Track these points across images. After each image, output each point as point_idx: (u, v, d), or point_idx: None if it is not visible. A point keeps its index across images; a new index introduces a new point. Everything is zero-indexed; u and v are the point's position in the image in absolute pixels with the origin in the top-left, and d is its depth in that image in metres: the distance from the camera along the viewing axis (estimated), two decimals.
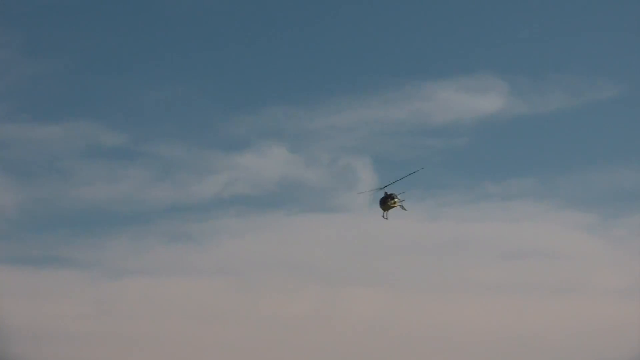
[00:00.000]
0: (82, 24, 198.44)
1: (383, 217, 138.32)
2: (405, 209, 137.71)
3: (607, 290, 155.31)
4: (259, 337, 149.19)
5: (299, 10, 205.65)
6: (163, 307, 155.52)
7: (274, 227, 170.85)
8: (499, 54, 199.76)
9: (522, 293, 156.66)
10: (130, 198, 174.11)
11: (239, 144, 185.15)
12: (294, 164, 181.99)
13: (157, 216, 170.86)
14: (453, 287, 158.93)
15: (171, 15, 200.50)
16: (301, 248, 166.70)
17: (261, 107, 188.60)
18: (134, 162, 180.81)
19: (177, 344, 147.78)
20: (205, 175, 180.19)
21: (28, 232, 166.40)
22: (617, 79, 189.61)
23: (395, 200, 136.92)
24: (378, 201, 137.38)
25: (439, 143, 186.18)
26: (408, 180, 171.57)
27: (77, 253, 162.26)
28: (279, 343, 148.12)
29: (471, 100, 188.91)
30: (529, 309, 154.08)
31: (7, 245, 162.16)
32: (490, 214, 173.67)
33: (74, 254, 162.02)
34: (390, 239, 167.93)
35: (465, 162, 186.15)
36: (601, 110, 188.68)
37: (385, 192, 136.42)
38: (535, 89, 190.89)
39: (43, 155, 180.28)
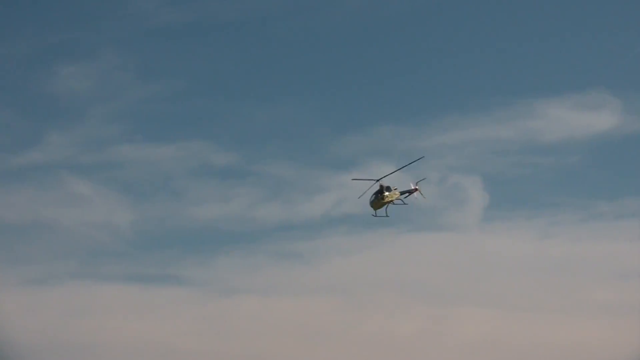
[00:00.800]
0: (193, 47, 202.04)
1: (373, 215, 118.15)
2: (406, 203, 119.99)
3: None
4: (368, 357, 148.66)
5: (408, 32, 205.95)
6: (272, 325, 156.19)
7: (383, 245, 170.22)
8: (612, 71, 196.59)
9: (636, 314, 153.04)
10: (241, 216, 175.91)
11: (347, 163, 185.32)
12: (402, 182, 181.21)
13: (267, 234, 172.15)
14: (566, 307, 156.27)
15: (280, 37, 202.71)
16: (410, 267, 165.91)
17: (370, 127, 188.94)
18: (245, 181, 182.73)
19: None
20: (314, 194, 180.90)
21: (141, 250, 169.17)
22: None
23: (386, 194, 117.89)
24: (370, 199, 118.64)
25: (550, 161, 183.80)
26: (518, 198, 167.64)
27: (189, 271, 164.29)
28: None
29: (583, 117, 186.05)
30: None
31: (121, 263, 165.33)
32: (603, 233, 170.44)
33: (185, 272, 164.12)
34: (501, 258, 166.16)
35: (578, 180, 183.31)
36: None
37: (381, 185, 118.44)
38: None
39: (156, 174, 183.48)
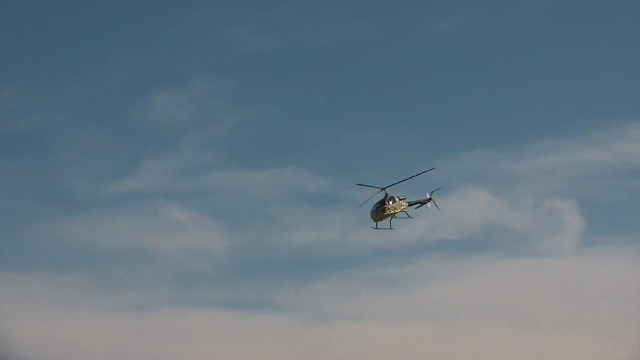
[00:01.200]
0: (286, 73, 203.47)
1: (374, 228, 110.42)
2: (411, 217, 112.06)
3: None
4: None
5: (499, 55, 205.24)
6: (368, 351, 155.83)
7: (478, 271, 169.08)
8: None
9: None
10: (335, 242, 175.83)
11: (441, 188, 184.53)
12: (496, 207, 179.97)
13: (361, 260, 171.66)
14: None
15: (372, 63, 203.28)
16: (507, 293, 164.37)
17: (462, 151, 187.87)
18: (337, 206, 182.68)
19: None
20: (408, 220, 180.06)
21: (237, 276, 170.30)
22: None
23: (387, 206, 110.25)
24: (371, 209, 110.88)
25: None
26: (616, 223, 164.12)
27: (284, 297, 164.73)
28: None
29: None
30: None
31: (217, 289, 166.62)
32: None
33: (280, 298, 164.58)
34: (599, 284, 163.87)
35: None
36: None
37: (386, 194, 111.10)
38: None
39: (250, 201, 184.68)
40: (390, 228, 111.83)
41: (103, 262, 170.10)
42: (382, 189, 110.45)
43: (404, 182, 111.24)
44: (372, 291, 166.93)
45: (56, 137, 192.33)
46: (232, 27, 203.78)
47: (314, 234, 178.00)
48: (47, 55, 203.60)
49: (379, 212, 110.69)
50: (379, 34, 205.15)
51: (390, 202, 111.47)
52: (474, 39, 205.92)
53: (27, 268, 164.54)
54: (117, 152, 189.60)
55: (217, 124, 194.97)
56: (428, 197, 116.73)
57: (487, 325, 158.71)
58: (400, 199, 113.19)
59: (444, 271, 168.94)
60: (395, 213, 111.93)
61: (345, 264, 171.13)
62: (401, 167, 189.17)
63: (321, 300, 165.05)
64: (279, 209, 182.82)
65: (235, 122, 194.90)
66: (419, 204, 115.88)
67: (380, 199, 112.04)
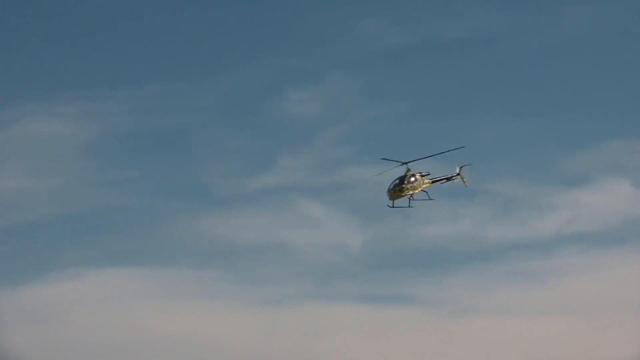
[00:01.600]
0: (418, 67, 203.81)
1: (390, 207, 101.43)
2: (432, 199, 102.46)
3: None
4: None
5: (634, 43, 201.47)
6: (506, 345, 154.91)
7: (618, 265, 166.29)
8: None
9: None
10: (472, 236, 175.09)
11: (580, 180, 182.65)
12: (638, 199, 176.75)
13: (498, 254, 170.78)
14: None
15: (504, 55, 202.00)
16: None
17: (602, 142, 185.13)
18: (474, 200, 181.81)
19: None
20: (545, 212, 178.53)
21: (373, 270, 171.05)
22: None
23: (405, 186, 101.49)
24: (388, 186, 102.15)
25: None
26: None
27: (421, 291, 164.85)
28: None
29: None
30: None
31: (353, 284, 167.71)
32: None
33: (417, 292, 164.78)
34: None
35: None
36: None
37: (407, 170, 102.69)
38: None
39: (386, 195, 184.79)
40: (409, 206, 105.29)
41: (241, 257, 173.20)
42: (404, 163, 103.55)
43: (425, 156, 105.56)
44: (509, 285, 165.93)
45: (194, 135, 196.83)
46: (364, 22, 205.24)
47: (450, 228, 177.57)
48: (185, 55, 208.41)
49: (397, 191, 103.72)
50: (510, 25, 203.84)
51: (411, 180, 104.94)
52: (609, 28, 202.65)
53: (170, 264, 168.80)
54: (253, 148, 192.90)
55: (351, 119, 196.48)
56: (456, 172, 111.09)
57: (629, 320, 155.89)
58: (423, 175, 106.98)
59: (583, 265, 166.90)
60: (415, 193, 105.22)
61: (482, 257, 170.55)
62: (538, 160, 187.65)
63: (457, 295, 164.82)
64: (414, 202, 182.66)
65: (369, 116, 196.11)
66: (445, 180, 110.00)
67: (400, 175, 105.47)
